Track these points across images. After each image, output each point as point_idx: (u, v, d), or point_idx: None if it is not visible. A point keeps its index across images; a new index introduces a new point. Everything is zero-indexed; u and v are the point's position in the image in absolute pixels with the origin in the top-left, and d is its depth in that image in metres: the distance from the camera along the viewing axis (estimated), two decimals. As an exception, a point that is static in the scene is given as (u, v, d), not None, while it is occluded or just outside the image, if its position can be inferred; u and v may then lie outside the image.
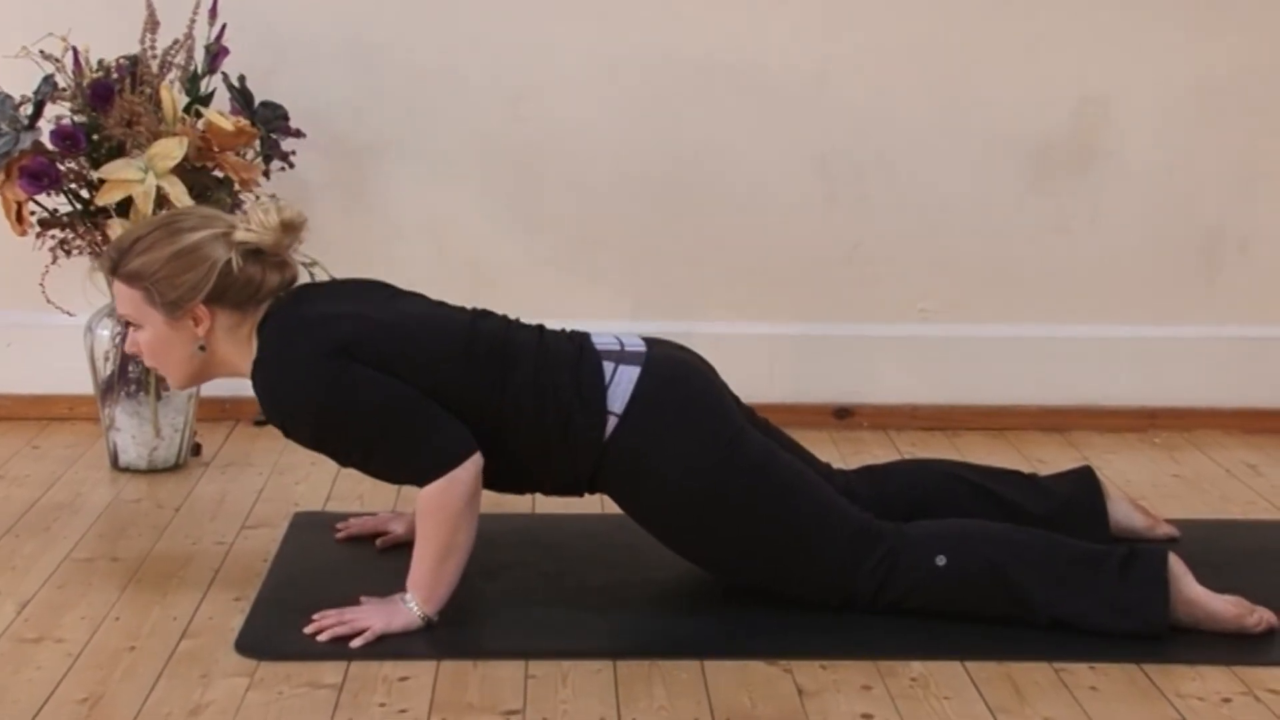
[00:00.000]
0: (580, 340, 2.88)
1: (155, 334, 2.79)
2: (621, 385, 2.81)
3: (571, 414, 2.79)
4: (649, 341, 2.91)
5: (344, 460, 2.82)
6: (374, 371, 2.72)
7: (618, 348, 2.86)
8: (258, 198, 2.75)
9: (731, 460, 2.81)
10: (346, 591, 2.86)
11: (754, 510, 2.81)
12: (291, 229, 2.78)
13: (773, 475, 2.84)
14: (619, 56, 4.00)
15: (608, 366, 2.82)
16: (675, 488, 2.80)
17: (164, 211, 2.80)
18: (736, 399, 2.95)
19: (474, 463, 2.73)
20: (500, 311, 2.94)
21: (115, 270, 2.80)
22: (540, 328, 2.91)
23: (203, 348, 2.79)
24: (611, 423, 2.80)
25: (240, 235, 2.75)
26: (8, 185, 3.40)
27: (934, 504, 3.02)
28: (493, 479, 2.86)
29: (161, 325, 2.78)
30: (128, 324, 2.87)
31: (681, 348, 2.96)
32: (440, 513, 2.73)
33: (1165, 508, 3.43)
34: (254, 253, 2.77)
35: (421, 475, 2.74)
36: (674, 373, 2.87)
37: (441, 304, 2.93)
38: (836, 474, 3.08)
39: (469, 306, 2.94)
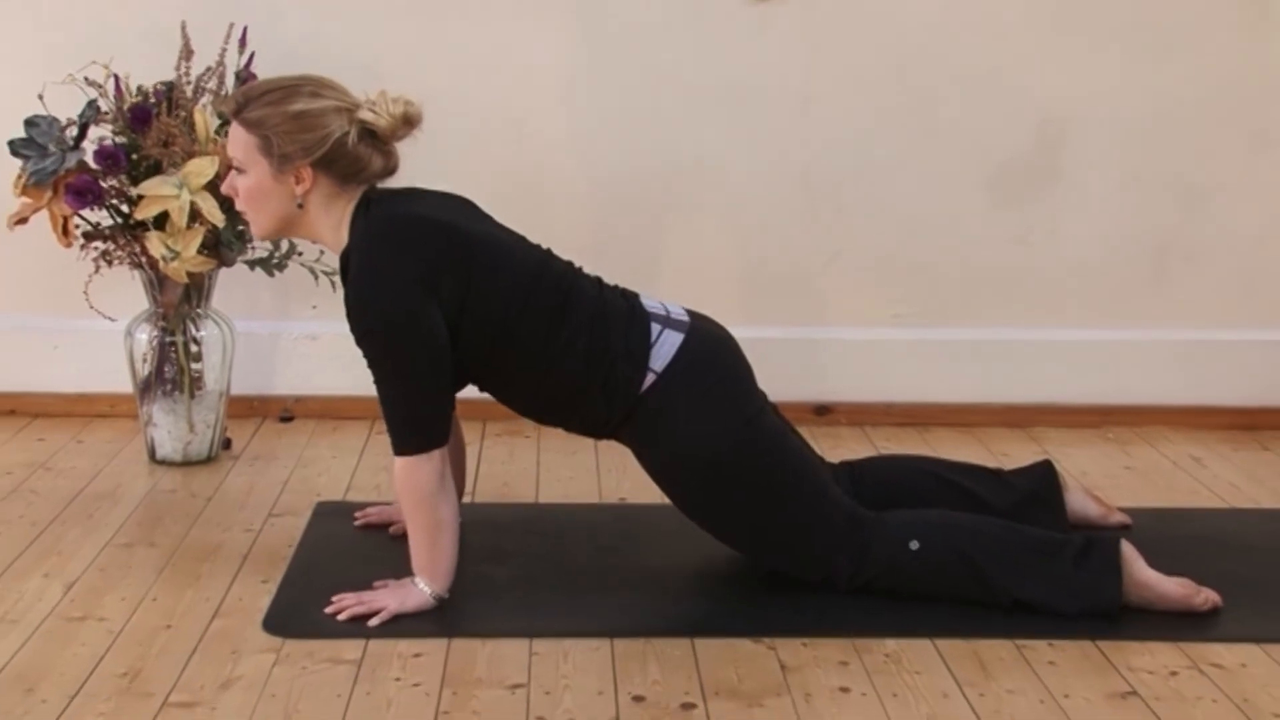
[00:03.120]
0: (632, 299, 2.89)
1: (257, 182, 2.76)
2: (665, 347, 2.81)
3: (616, 363, 2.79)
4: (690, 314, 2.91)
5: (369, 365, 2.75)
6: (439, 325, 2.70)
7: (664, 313, 2.87)
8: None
9: (748, 436, 2.81)
10: (364, 575, 2.87)
11: (760, 486, 2.81)
12: (409, 123, 2.77)
13: (783, 457, 2.84)
14: (614, 78, 3.99)
15: (655, 327, 2.83)
16: (691, 450, 2.80)
17: (301, 74, 2.81)
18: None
19: (440, 456, 2.74)
20: None
21: (238, 113, 2.76)
22: (599, 279, 2.91)
23: (300, 206, 2.76)
24: (649, 378, 2.80)
25: (363, 114, 2.74)
26: (55, 201, 3.38)
27: (907, 496, 3.01)
28: (527, 409, 2.88)
29: (266, 175, 2.75)
30: (230, 167, 2.81)
31: (719, 325, 2.95)
32: (415, 493, 2.73)
33: (1118, 497, 3.42)
34: (369, 133, 2.75)
35: (397, 439, 2.73)
36: (711, 347, 2.88)
37: (521, 235, 2.91)
38: (826, 464, 3.07)
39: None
